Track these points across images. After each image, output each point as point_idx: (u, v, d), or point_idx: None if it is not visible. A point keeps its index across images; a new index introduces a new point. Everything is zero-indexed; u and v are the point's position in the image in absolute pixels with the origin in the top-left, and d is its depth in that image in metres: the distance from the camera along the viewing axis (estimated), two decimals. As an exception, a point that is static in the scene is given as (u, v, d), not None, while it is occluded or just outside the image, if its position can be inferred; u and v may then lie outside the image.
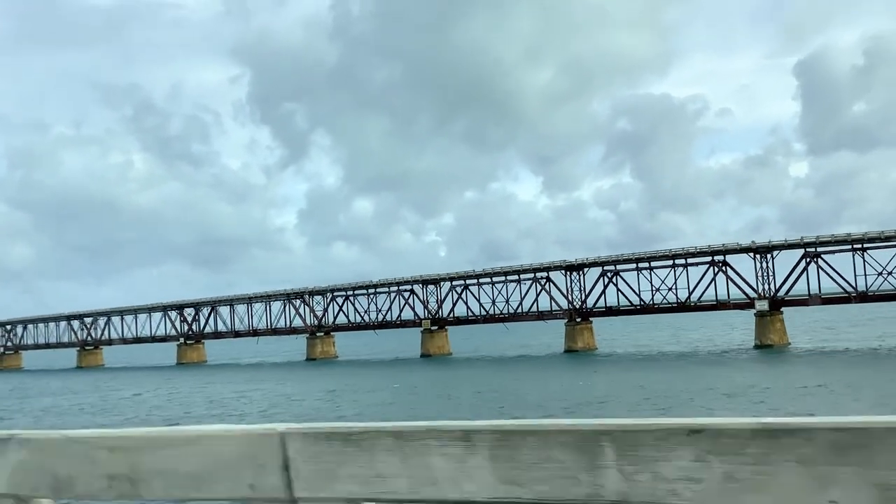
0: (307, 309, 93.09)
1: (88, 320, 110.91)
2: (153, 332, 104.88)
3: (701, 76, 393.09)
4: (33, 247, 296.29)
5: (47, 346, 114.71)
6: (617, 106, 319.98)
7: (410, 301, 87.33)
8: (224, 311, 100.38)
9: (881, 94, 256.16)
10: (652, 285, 74.00)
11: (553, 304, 79.30)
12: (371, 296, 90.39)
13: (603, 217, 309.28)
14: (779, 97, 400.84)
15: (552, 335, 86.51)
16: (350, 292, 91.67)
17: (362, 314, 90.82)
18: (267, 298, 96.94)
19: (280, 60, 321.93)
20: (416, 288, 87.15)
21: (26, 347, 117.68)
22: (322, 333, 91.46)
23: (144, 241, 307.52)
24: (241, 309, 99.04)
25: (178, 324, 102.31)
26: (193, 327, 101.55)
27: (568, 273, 78.52)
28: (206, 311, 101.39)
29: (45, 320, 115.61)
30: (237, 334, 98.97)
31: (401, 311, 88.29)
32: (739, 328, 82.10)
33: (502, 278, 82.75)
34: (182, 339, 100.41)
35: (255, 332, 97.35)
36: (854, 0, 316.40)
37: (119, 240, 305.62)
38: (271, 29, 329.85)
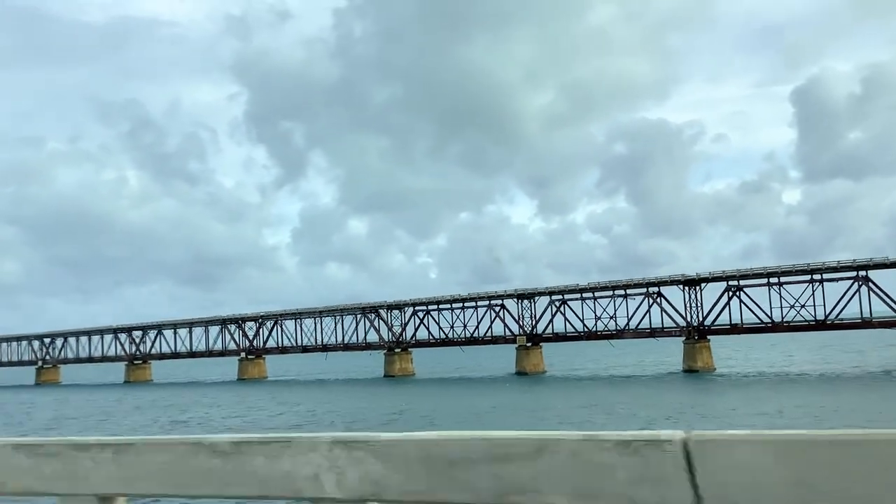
0: (383, 324, 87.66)
1: (137, 334, 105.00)
2: (210, 347, 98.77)
3: (698, 102, 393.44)
4: (21, 262, 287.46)
5: (90, 359, 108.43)
6: (613, 130, 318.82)
7: (502, 315, 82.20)
8: (289, 325, 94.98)
9: (878, 123, 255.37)
10: (782, 300, 69.37)
11: (666, 320, 74.30)
12: (457, 311, 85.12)
13: (596, 241, 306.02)
14: (776, 124, 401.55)
15: (660, 353, 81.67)
16: (433, 307, 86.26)
17: (446, 331, 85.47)
18: (340, 313, 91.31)
19: (279, 79, 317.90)
20: (510, 303, 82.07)
21: (67, 361, 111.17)
22: (399, 350, 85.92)
23: (135, 258, 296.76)
24: (308, 323, 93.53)
25: (238, 337, 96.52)
26: (255, 342, 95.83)
27: (685, 288, 73.64)
28: (269, 324, 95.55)
29: (88, 333, 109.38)
30: (305, 349, 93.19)
31: (491, 325, 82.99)
32: (874, 348, 77.44)
33: (609, 293, 77.67)
34: (243, 354, 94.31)
35: (324, 348, 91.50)
36: (852, 29, 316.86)
37: (109, 257, 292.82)
38: (271, 48, 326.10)
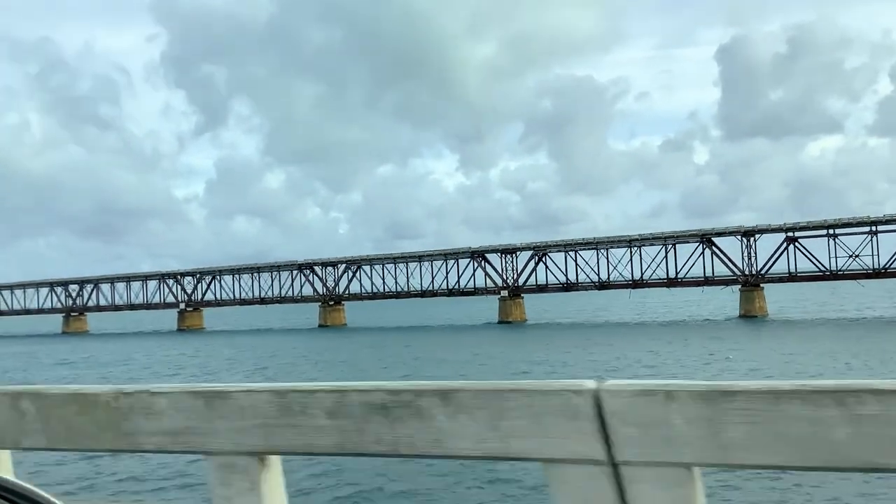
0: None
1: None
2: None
3: (631, 59, 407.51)
4: None
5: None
6: (541, 86, 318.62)
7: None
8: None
9: (799, 83, 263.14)
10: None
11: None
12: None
13: (514, 198, 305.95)
14: (704, 82, 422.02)
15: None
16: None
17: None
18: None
19: (203, 19, 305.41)
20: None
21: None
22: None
23: (36, 209, 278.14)
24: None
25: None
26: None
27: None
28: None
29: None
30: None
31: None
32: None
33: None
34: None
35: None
36: None
37: (6, 207, 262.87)
38: None
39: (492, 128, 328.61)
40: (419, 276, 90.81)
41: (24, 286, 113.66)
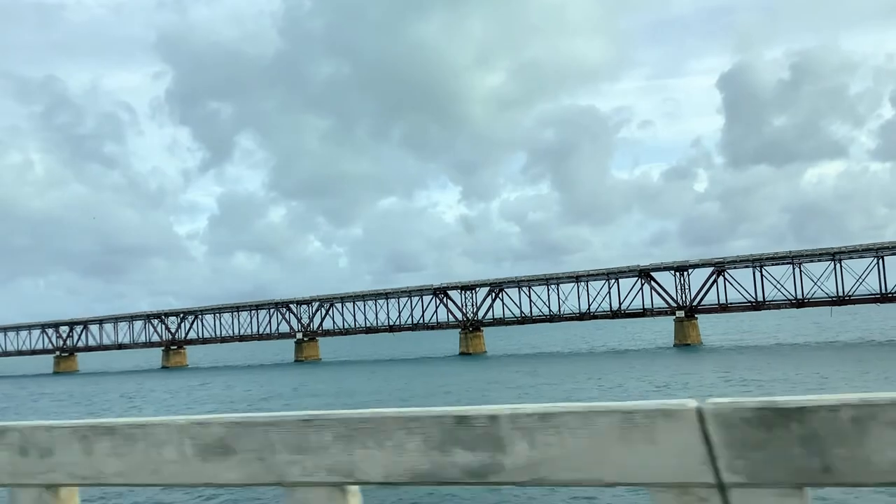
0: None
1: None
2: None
3: (633, 87, 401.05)
4: None
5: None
6: (544, 115, 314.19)
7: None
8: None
9: (803, 109, 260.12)
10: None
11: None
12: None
13: (515, 228, 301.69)
14: (708, 110, 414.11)
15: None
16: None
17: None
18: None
19: (211, 55, 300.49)
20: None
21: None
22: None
23: (37, 248, 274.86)
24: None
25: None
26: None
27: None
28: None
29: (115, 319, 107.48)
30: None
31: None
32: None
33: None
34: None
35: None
36: (790, 15, 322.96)
37: (9, 247, 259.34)
38: (208, 21, 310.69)
39: (495, 158, 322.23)
40: (576, 298, 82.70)
41: (115, 319, 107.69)
